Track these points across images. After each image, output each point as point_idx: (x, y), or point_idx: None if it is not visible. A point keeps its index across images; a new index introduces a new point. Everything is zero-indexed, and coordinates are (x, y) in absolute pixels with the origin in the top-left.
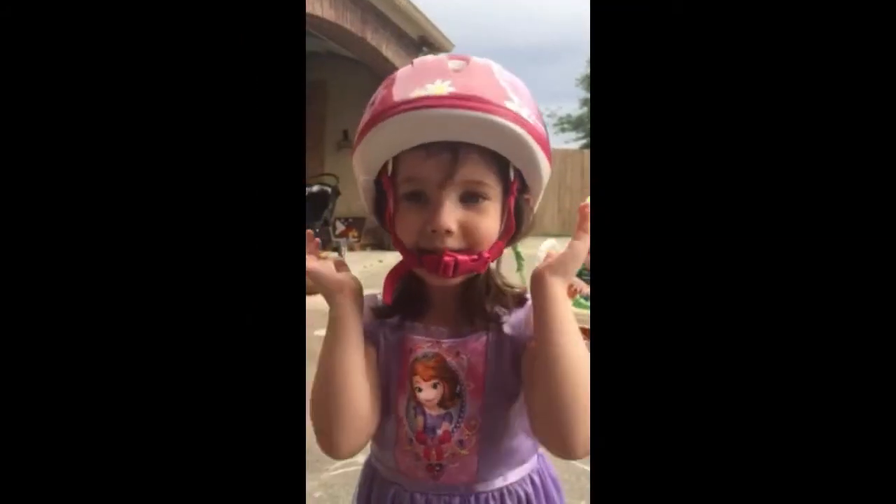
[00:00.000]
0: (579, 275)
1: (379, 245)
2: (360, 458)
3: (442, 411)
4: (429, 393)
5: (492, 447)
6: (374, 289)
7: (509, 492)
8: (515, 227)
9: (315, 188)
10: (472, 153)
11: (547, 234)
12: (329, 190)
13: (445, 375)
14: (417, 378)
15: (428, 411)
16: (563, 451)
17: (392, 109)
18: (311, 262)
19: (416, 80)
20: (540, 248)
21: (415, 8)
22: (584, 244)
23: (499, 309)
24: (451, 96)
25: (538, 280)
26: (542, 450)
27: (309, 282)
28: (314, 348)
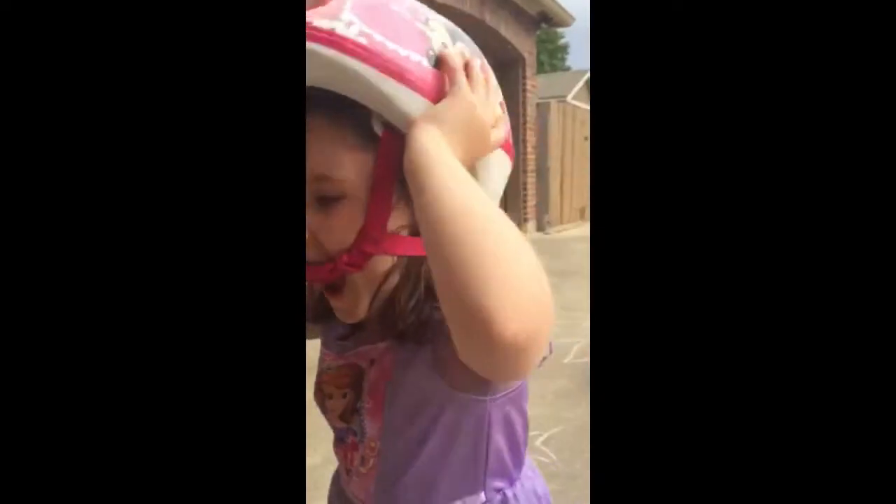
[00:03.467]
0: None
1: None
2: None
3: (344, 425)
4: (334, 403)
5: (389, 485)
6: None
7: None
8: (402, 217)
9: None
10: (319, 130)
11: None
12: None
13: (356, 385)
14: (327, 385)
15: (331, 422)
16: (477, 348)
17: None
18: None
19: None
20: None
21: None
22: (461, 93)
23: (432, 314)
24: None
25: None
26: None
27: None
28: None
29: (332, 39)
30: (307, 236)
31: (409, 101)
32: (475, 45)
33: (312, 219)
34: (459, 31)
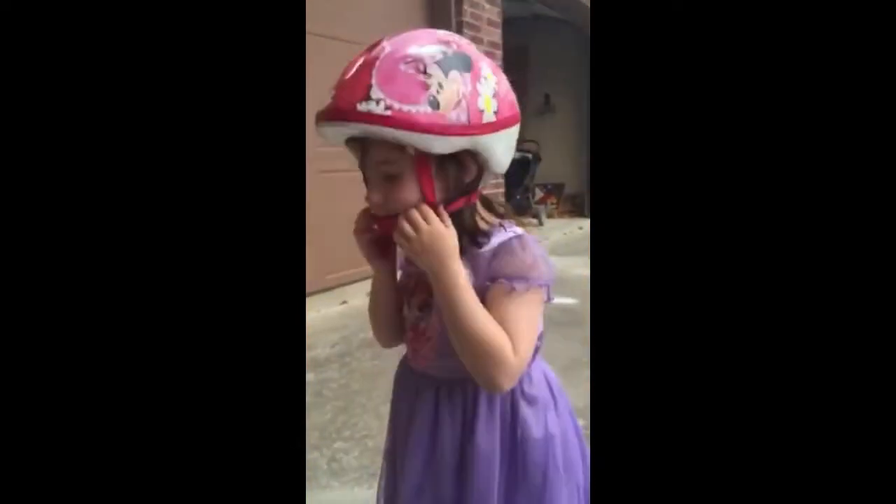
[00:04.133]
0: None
1: (578, 212)
2: None
3: (419, 313)
4: (417, 298)
5: (444, 352)
6: (575, 256)
7: (463, 390)
8: (439, 191)
9: (516, 155)
10: (377, 140)
11: None
12: (530, 157)
13: (430, 290)
14: (414, 286)
15: (410, 311)
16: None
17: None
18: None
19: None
20: None
21: None
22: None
23: (472, 245)
24: (326, 109)
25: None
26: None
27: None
28: None
29: (372, 118)
30: (379, 202)
31: (419, 140)
32: (468, 51)
33: (383, 189)
34: (450, 53)
